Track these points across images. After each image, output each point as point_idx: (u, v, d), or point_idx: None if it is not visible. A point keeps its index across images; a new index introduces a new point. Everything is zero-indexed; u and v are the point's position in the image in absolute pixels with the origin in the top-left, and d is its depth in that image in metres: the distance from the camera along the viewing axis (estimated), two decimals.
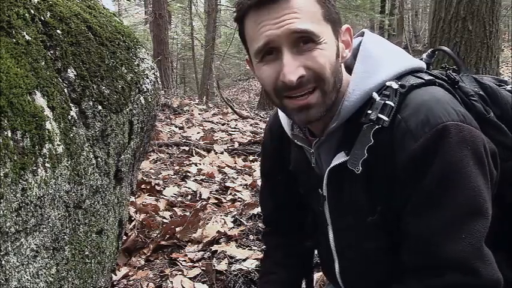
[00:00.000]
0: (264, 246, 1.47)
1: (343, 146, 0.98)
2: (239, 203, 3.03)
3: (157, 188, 3.28)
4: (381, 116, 0.90)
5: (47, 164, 1.06)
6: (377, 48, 1.02)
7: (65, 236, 1.17)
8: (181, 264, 2.26)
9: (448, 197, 0.88)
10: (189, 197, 3.23)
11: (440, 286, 0.89)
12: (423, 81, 0.95)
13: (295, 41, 0.90)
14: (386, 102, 0.91)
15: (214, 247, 2.35)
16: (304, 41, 0.90)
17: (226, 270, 2.11)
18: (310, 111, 0.94)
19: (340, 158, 0.97)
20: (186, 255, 2.34)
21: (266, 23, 0.89)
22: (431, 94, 0.93)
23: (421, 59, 1.12)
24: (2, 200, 0.93)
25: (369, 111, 0.92)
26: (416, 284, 0.92)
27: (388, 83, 0.94)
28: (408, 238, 0.93)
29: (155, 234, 2.53)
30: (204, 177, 3.63)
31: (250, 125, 5.90)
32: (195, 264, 2.24)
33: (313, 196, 1.11)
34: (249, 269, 2.09)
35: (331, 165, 0.99)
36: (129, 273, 2.21)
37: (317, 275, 1.99)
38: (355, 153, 0.93)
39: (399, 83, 0.94)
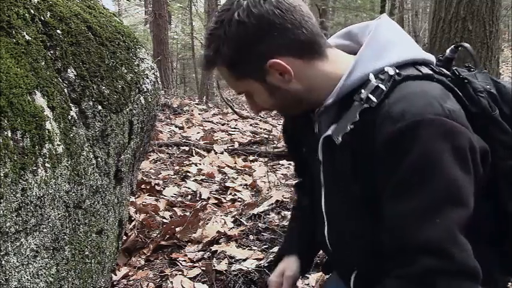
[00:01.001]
0: (295, 195, 1.54)
1: (336, 120, 1.03)
2: (239, 203, 3.03)
3: (157, 188, 3.28)
4: (370, 96, 0.94)
5: (47, 164, 1.06)
6: (387, 35, 1.04)
7: (65, 236, 1.17)
8: (181, 264, 2.26)
9: (424, 185, 0.89)
10: (189, 197, 3.23)
11: (414, 274, 0.90)
12: (420, 74, 0.98)
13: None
14: (379, 85, 0.95)
15: (214, 247, 2.35)
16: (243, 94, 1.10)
17: (226, 270, 2.11)
18: (287, 116, 1.21)
19: (331, 130, 1.02)
20: (186, 255, 2.34)
21: None
22: (422, 87, 0.95)
23: (445, 54, 1.13)
24: (2, 200, 0.93)
25: (362, 91, 0.97)
26: (392, 281, 0.93)
27: (386, 69, 0.97)
28: (384, 221, 0.96)
29: (155, 234, 2.53)
30: (204, 177, 3.63)
31: (250, 125, 5.89)
32: (195, 264, 2.24)
33: (313, 158, 1.16)
34: (249, 269, 2.09)
35: (324, 134, 1.04)
36: (129, 273, 2.21)
37: (317, 275, 2.00)
38: (339, 126, 0.99)
39: (397, 71, 0.97)
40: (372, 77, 0.97)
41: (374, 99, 0.94)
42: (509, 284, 1.81)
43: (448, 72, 1.05)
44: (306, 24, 0.99)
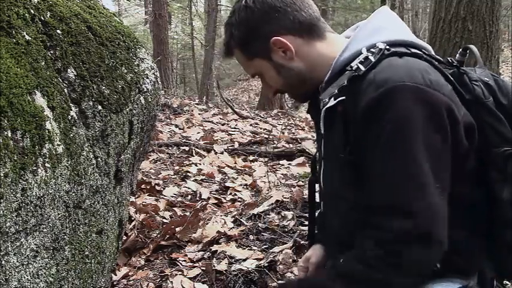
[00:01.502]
0: None
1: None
2: (239, 203, 3.03)
3: (157, 188, 3.28)
4: (359, 65, 1.02)
5: (47, 164, 1.06)
6: (381, 20, 1.14)
7: (65, 236, 1.17)
8: (181, 264, 2.26)
9: (396, 148, 0.94)
10: (189, 197, 3.23)
11: (384, 238, 0.94)
12: (408, 52, 1.04)
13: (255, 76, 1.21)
14: (369, 56, 1.02)
15: (214, 247, 2.35)
16: (257, 76, 1.20)
17: (226, 270, 2.11)
18: (296, 99, 1.37)
19: (330, 103, 1.08)
20: (186, 255, 2.34)
21: None
22: (407, 61, 1.01)
23: (455, 58, 1.19)
24: (2, 200, 0.93)
25: (353, 62, 1.05)
26: (365, 245, 0.98)
27: (377, 44, 1.05)
28: (366, 185, 1.01)
29: (155, 234, 2.53)
30: (204, 177, 3.63)
31: (250, 125, 5.89)
32: (195, 264, 2.24)
33: (318, 133, 1.23)
34: (249, 269, 2.09)
35: (325, 106, 1.10)
36: (129, 273, 2.21)
37: None
38: (329, 90, 1.07)
39: (387, 47, 1.04)
40: (364, 50, 1.05)
41: (362, 67, 1.01)
42: (509, 284, 1.82)
43: (443, 60, 1.12)
44: (305, 9, 1.13)
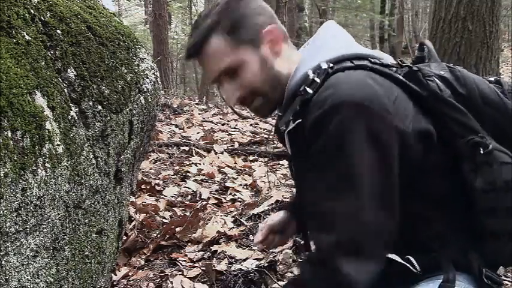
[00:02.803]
0: None
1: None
2: (239, 203, 3.03)
3: (157, 188, 3.28)
4: (307, 88, 1.05)
5: (47, 164, 1.06)
6: (325, 36, 1.17)
7: (65, 236, 1.17)
8: (181, 264, 2.26)
9: (328, 165, 0.98)
10: (189, 197, 3.23)
11: (316, 256, 1.02)
12: (352, 65, 1.06)
13: (224, 75, 1.12)
14: (314, 78, 1.05)
15: (214, 247, 2.35)
16: (227, 74, 1.12)
17: (226, 270, 2.11)
18: (259, 111, 1.18)
19: (290, 126, 1.11)
20: (186, 255, 2.34)
21: (202, 68, 1.17)
22: (348, 76, 1.03)
23: (415, 55, 1.23)
24: (2, 200, 0.93)
25: (301, 87, 1.08)
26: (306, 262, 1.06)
27: (321, 64, 1.07)
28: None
29: (155, 234, 2.53)
30: (204, 177, 3.63)
31: (250, 125, 5.89)
32: (195, 264, 2.24)
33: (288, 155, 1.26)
34: (249, 269, 2.09)
35: (286, 130, 1.13)
36: (129, 273, 2.21)
37: None
38: (285, 117, 1.10)
39: (331, 65, 1.07)
40: (310, 72, 1.07)
41: (310, 91, 1.04)
42: (509, 284, 1.82)
43: (394, 63, 1.15)
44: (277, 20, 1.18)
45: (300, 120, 1.06)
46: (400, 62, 1.16)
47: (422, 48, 1.21)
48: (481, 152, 1.01)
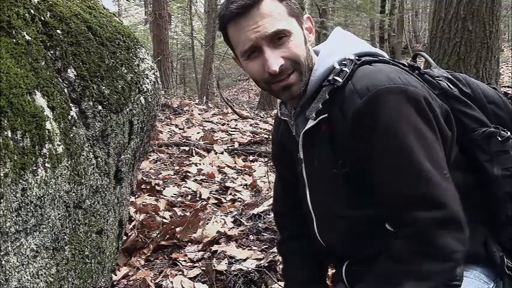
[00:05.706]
0: (281, 257, 1.58)
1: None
2: (239, 203, 3.03)
3: (157, 188, 3.28)
4: (336, 78, 1.07)
5: (47, 164, 1.06)
6: (342, 37, 1.21)
7: (65, 236, 1.17)
8: (181, 264, 2.26)
9: (401, 147, 0.99)
10: (189, 197, 3.23)
11: (414, 232, 0.99)
12: (377, 59, 1.12)
13: (271, 40, 1.10)
14: (343, 68, 1.08)
15: (214, 247, 2.35)
16: (278, 37, 1.10)
17: (226, 270, 2.11)
18: (292, 88, 1.14)
19: (310, 124, 1.13)
20: (186, 255, 2.34)
21: (246, 29, 1.10)
22: (378, 67, 1.08)
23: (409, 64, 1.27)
24: (2, 200, 0.93)
25: (329, 77, 1.10)
26: (397, 245, 1.02)
27: (348, 56, 1.11)
28: (378, 190, 1.05)
29: (155, 234, 2.53)
30: (204, 177, 3.63)
31: (250, 125, 5.89)
32: (195, 264, 2.24)
33: (296, 161, 1.25)
34: (249, 269, 2.09)
35: (304, 129, 1.15)
36: (129, 273, 2.21)
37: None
38: (312, 106, 1.11)
39: (357, 58, 1.11)
40: (336, 64, 1.11)
41: (340, 79, 1.07)
42: None
43: (405, 64, 1.19)
44: None
45: (325, 115, 1.08)
46: (409, 64, 1.20)
47: (415, 60, 1.29)
48: (499, 139, 1.09)
